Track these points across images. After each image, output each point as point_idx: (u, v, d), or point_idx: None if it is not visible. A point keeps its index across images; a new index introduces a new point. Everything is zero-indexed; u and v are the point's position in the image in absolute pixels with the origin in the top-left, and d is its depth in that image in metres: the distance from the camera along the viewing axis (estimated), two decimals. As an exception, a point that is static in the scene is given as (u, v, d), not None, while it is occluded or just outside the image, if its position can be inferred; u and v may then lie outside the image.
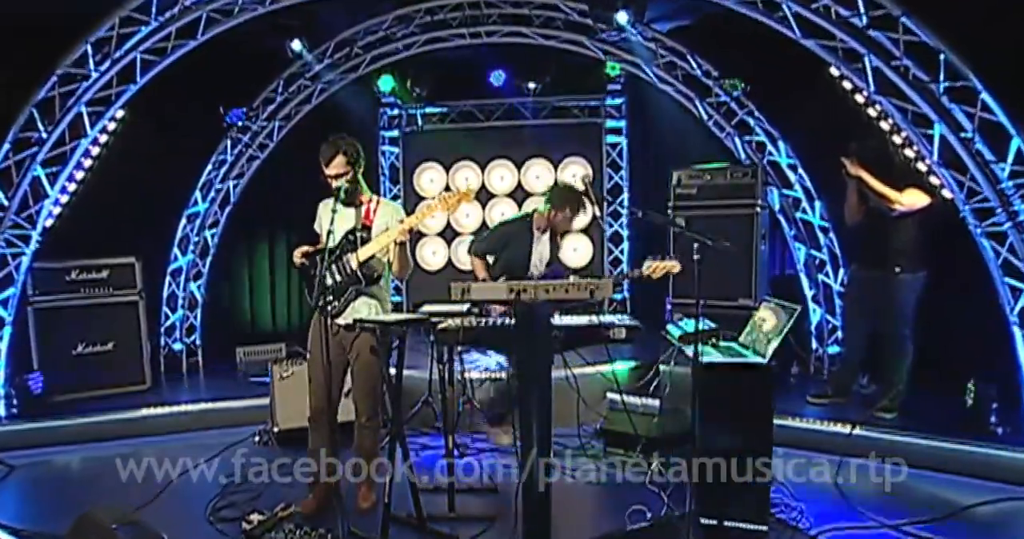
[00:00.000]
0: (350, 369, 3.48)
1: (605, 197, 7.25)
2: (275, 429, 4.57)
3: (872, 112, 4.55)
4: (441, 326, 2.71)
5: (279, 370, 4.64)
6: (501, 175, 7.46)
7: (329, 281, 3.33)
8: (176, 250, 6.21)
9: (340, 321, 3.38)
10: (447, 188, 7.40)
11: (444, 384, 3.60)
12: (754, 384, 2.93)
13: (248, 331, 6.76)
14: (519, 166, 7.40)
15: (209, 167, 6.18)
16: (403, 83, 6.72)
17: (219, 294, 6.64)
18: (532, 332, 2.41)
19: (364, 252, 3.30)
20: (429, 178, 7.54)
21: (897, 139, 4.40)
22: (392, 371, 3.23)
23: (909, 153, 4.35)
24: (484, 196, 7.44)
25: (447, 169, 7.48)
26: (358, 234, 3.33)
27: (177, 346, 6.23)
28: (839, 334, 5.63)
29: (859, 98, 4.56)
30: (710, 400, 2.87)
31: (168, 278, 6.20)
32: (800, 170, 5.65)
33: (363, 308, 3.40)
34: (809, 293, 5.87)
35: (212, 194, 6.29)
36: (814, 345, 5.83)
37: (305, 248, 3.40)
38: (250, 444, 4.65)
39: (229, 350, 6.52)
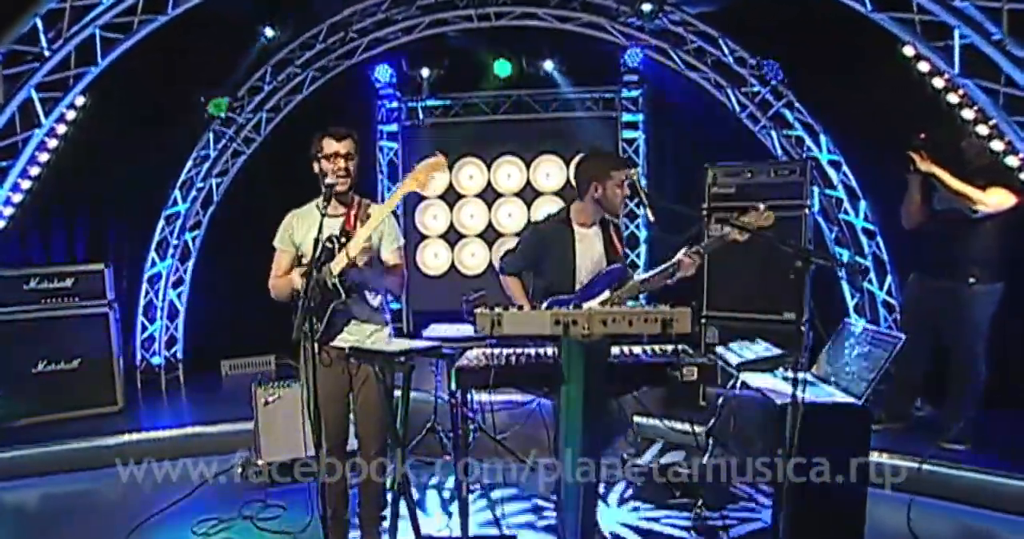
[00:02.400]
0: (352, 400, 2.94)
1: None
2: (258, 462, 4.00)
3: (953, 98, 3.99)
4: (461, 363, 2.13)
5: (263, 393, 4.08)
6: (508, 173, 6.91)
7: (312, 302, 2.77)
8: (154, 254, 5.65)
9: (333, 345, 2.84)
10: (450, 187, 6.86)
11: (458, 447, 2.93)
12: (848, 429, 2.40)
13: (234, 342, 6.17)
14: (528, 163, 6.86)
15: (189, 163, 5.62)
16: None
17: (201, 302, 6.06)
18: (582, 375, 1.86)
19: (343, 258, 2.72)
20: (430, 176, 6.96)
21: (983, 129, 3.85)
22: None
23: (997, 146, 3.80)
24: (490, 195, 6.90)
25: (450, 166, 6.92)
26: (336, 242, 2.79)
27: (156, 360, 5.68)
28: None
29: (938, 82, 4.01)
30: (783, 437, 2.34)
31: (145, 285, 5.65)
32: (844, 167, 5.11)
33: (356, 330, 2.86)
34: (851, 302, 5.35)
35: (193, 193, 5.74)
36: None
37: (302, 269, 2.77)
38: (233, 477, 4.10)
39: (213, 363, 6.03)
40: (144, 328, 5.66)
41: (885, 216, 5.06)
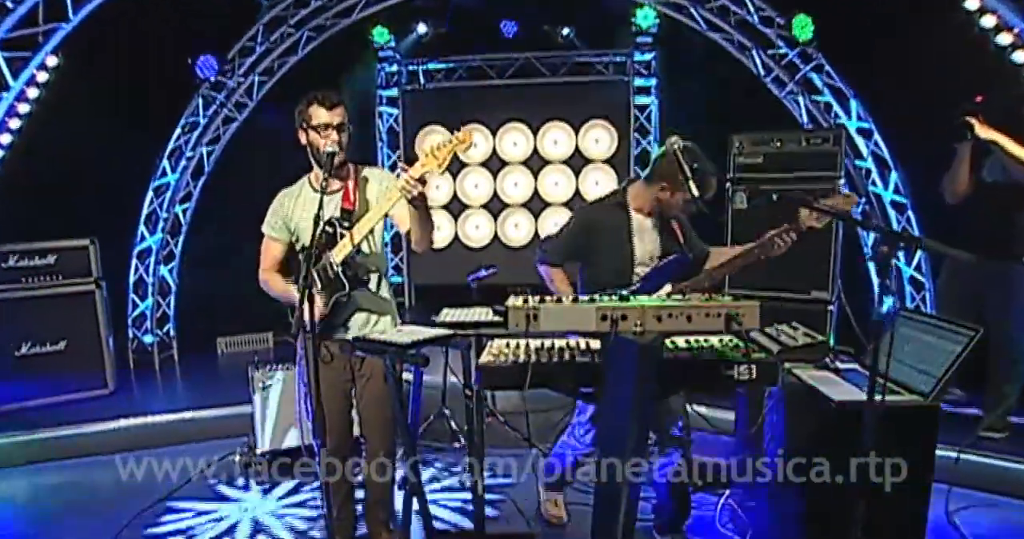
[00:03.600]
0: (356, 396, 2.69)
1: (633, 167, 6.46)
2: (258, 451, 3.79)
3: (1021, 56, 3.65)
4: (485, 360, 1.87)
5: (261, 377, 3.84)
6: (514, 140, 6.60)
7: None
8: (143, 228, 5.35)
9: (335, 338, 2.58)
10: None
11: (475, 444, 2.66)
12: (915, 430, 2.17)
13: (229, 319, 5.91)
14: (535, 130, 6.53)
15: (178, 131, 5.28)
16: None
17: (194, 278, 5.77)
18: (630, 378, 1.60)
19: (346, 244, 2.43)
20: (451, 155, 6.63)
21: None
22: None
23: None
24: (496, 164, 6.60)
25: (453, 133, 6.56)
26: (337, 224, 2.48)
27: (148, 338, 5.43)
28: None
29: (1004, 37, 3.66)
30: (839, 439, 2.13)
31: (135, 261, 5.37)
32: (876, 135, 4.80)
33: (361, 323, 2.59)
34: (876, 280, 5.11)
35: (183, 163, 5.41)
36: (879, 338, 5.09)
37: (303, 287, 2.44)
38: (231, 464, 3.89)
39: (209, 341, 5.79)
40: (135, 306, 5.40)
41: (916, 188, 4.79)
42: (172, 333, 5.59)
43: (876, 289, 5.10)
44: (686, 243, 2.83)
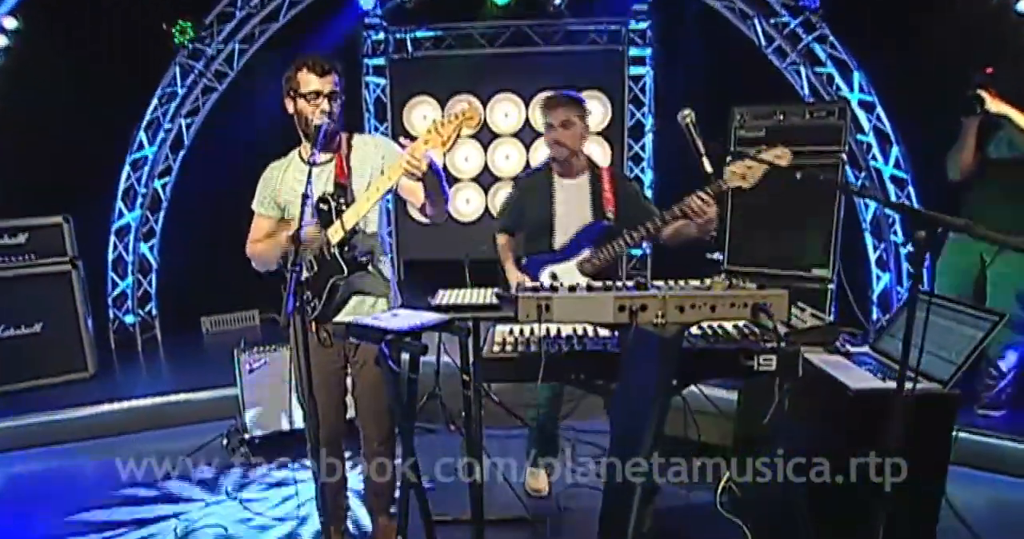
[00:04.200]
0: (352, 384, 2.57)
1: (627, 139, 6.30)
2: (244, 436, 3.67)
3: None
4: (489, 352, 1.74)
5: (247, 360, 3.71)
6: (506, 111, 6.39)
7: (305, 274, 2.35)
8: (120, 204, 5.13)
9: (330, 322, 2.44)
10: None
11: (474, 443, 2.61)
12: (931, 419, 2.09)
13: (214, 297, 5.74)
14: (527, 101, 6.32)
15: (155, 101, 5.03)
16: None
17: (176, 255, 5.56)
18: (651, 373, 1.49)
19: (345, 222, 2.25)
20: (422, 114, 6.42)
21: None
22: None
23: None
24: (486, 136, 6.39)
25: (443, 104, 6.36)
26: (331, 200, 2.31)
27: (129, 318, 5.25)
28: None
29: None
30: (855, 429, 2.06)
31: (113, 238, 5.15)
32: (879, 109, 4.68)
33: (359, 306, 2.46)
34: (873, 255, 5.04)
35: (161, 135, 5.17)
36: (875, 314, 5.05)
37: (292, 231, 2.18)
38: (219, 449, 3.78)
39: (193, 320, 5.63)
40: (114, 285, 5.21)
41: (916, 164, 4.69)
42: (154, 313, 5.42)
43: (873, 265, 5.04)
44: (617, 210, 2.82)
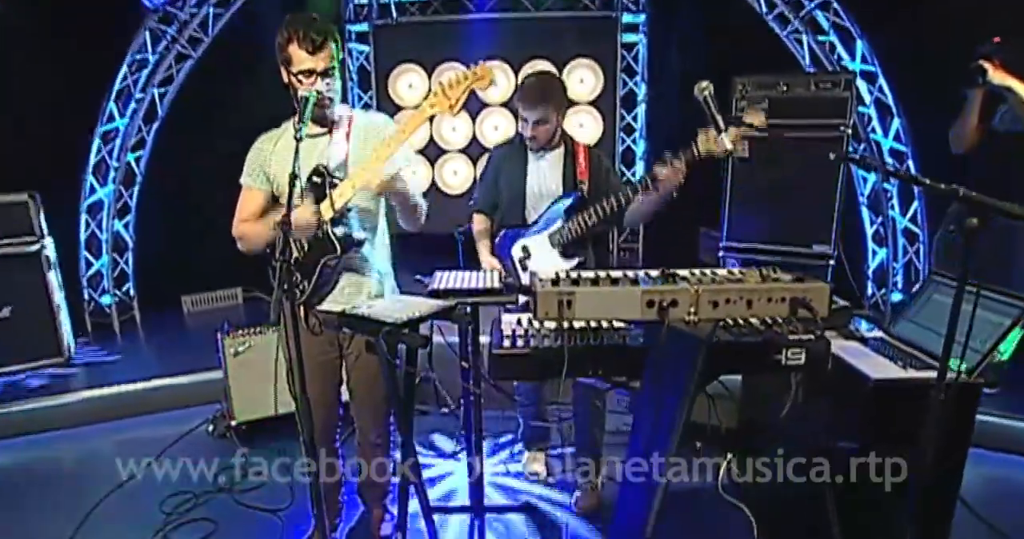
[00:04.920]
0: (346, 373, 2.44)
1: (619, 109, 6.12)
2: (231, 422, 3.54)
3: None
4: (499, 348, 1.61)
5: (231, 343, 3.56)
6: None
7: (295, 254, 2.20)
8: (92, 179, 4.87)
9: (322, 310, 2.29)
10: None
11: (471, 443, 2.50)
12: (954, 410, 2.02)
13: (194, 275, 5.52)
14: (517, 69, 6.09)
15: (124, 70, 4.74)
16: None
17: (153, 232, 5.31)
18: (681, 374, 1.37)
19: (338, 198, 2.09)
20: (407, 83, 6.18)
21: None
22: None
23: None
24: (475, 106, 6.16)
25: (429, 72, 6.12)
26: (326, 172, 2.14)
27: (106, 299, 5.04)
28: (900, 279, 4.81)
29: None
30: (875, 421, 1.98)
31: (84, 216, 4.91)
32: (880, 80, 4.55)
33: (351, 290, 2.31)
34: (870, 230, 4.97)
35: (132, 106, 4.89)
36: (870, 290, 5.01)
37: (281, 216, 1.93)
38: (203, 435, 3.65)
39: (173, 299, 5.43)
40: (88, 265, 4.98)
41: (917, 136, 4.59)
42: (132, 293, 5.21)
43: (869, 239, 4.98)
44: (590, 183, 2.76)
